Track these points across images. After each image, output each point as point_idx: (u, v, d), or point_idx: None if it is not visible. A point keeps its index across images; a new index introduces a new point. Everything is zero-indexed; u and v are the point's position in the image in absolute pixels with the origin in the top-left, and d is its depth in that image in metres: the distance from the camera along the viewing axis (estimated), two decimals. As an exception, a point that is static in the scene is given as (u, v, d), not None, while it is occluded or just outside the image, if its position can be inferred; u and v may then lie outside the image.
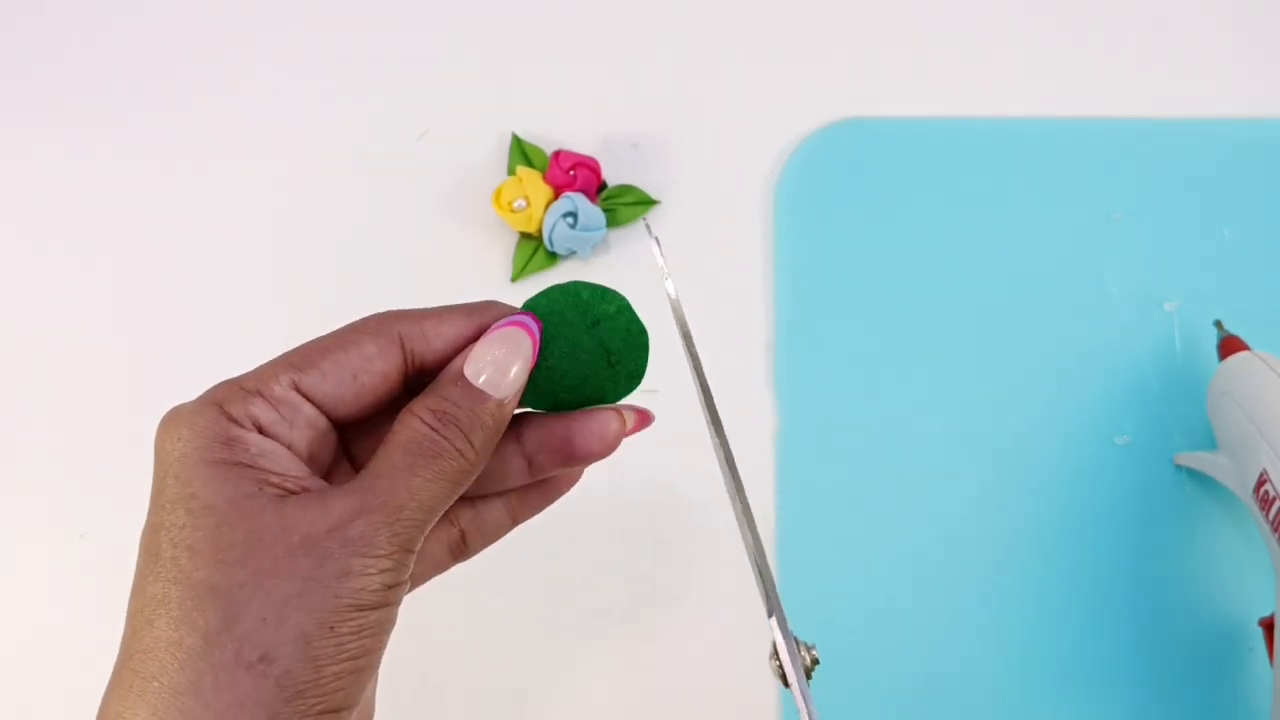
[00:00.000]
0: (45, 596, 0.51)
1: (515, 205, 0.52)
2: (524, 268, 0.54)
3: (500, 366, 0.28)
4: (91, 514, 0.51)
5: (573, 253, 0.54)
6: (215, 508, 0.25)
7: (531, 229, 0.53)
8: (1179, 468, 0.50)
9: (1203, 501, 0.49)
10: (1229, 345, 0.47)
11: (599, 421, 0.30)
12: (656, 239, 0.34)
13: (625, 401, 0.31)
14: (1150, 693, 0.47)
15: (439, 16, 0.59)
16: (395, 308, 0.29)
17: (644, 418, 0.32)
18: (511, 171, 0.55)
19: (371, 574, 0.25)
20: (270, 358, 0.28)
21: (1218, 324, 0.49)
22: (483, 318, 0.29)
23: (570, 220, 0.52)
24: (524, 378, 0.28)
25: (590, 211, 0.52)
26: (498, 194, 0.53)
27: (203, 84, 0.59)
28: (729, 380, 0.52)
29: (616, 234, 0.55)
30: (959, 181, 0.55)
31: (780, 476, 0.50)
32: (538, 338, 0.29)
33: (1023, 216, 0.54)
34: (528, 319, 0.29)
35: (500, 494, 0.32)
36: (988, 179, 0.55)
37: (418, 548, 0.26)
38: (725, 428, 0.30)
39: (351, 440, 0.30)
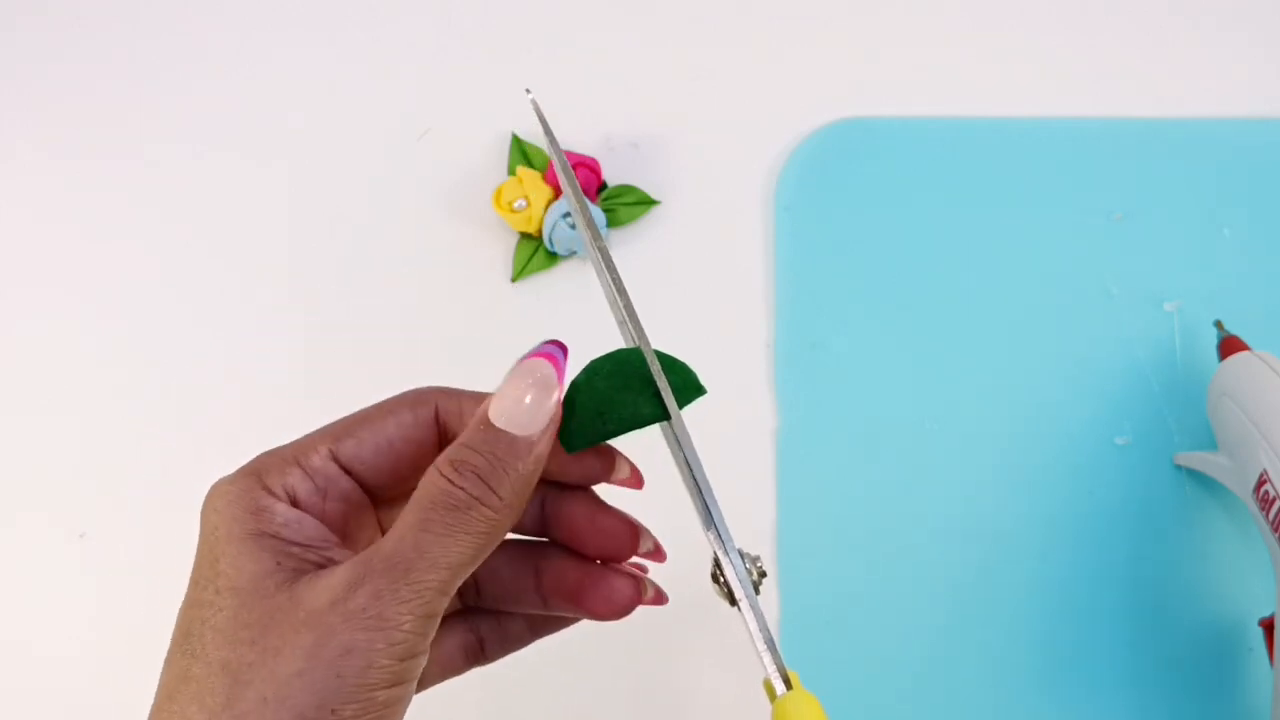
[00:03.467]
0: (45, 596, 0.51)
1: (515, 205, 0.52)
2: (524, 268, 0.54)
3: (521, 404, 0.26)
4: (91, 514, 0.51)
5: (573, 253, 0.54)
6: (238, 587, 0.25)
7: (531, 229, 0.53)
8: (1179, 468, 0.50)
9: (1203, 501, 0.49)
10: (1229, 345, 0.47)
11: (612, 587, 0.29)
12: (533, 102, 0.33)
13: (648, 572, 0.30)
14: (1150, 693, 0.47)
15: (439, 16, 0.59)
16: (435, 385, 0.29)
17: (660, 597, 0.31)
18: (511, 171, 0.55)
19: (379, 648, 0.24)
20: (327, 424, 0.28)
21: (1218, 324, 0.49)
22: None
23: (570, 220, 0.52)
24: (552, 410, 0.26)
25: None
26: (498, 194, 0.53)
27: (202, 84, 0.59)
28: (729, 380, 0.52)
29: (617, 234, 0.55)
30: (959, 181, 0.55)
31: (780, 476, 0.50)
32: (563, 364, 0.27)
33: (1023, 216, 0.54)
34: (552, 348, 0.28)
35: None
36: (988, 179, 0.55)
37: (439, 612, 0.25)
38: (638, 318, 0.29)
39: (385, 516, 0.30)
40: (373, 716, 0.24)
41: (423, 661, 0.25)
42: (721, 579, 0.28)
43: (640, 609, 0.30)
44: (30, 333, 0.55)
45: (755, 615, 0.27)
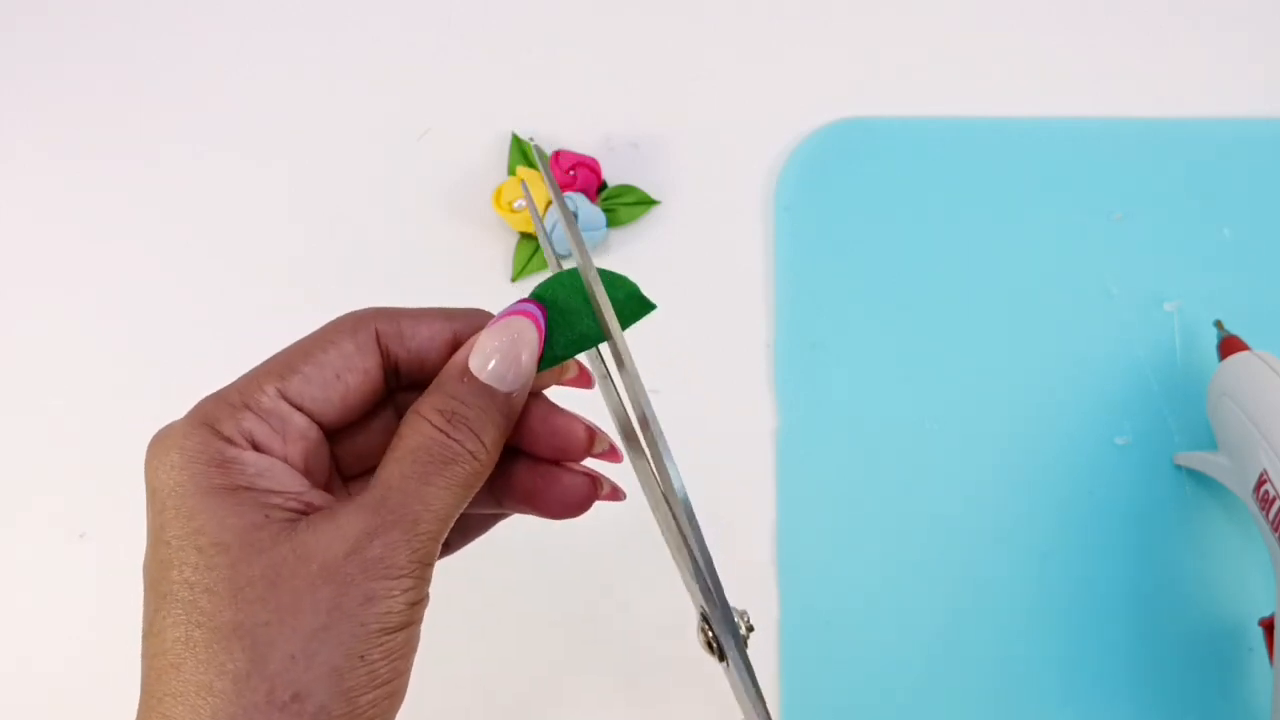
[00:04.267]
0: (45, 596, 0.51)
1: (515, 205, 0.52)
2: (524, 268, 0.54)
3: (507, 357, 0.27)
4: (91, 514, 0.51)
5: (572, 253, 0.53)
6: (226, 544, 0.24)
7: (532, 229, 0.53)
8: (1179, 468, 0.50)
9: (1203, 501, 0.49)
10: (1229, 345, 0.47)
11: (566, 486, 0.29)
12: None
13: (603, 470, 0.30)
14: (1150, 693, 0.47)
15: (439, 16, 0.59)
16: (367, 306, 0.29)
17: (616, 493, 0.31)
18: (511, 171, 0.55)
19: (395, 595, 0.24)
20: (265, 360, 0.28)
21: (1218, 324, 0.49)
22: (464, 322, 0.28)
23: (570, 220, 0.52)
24: (532, 367, 0.27)
25: (590, 211, 0.52)
26: (498, 194, 0.53)
27: (202, 84, 0.59)
28: (729, 380, 0.52)
29: (617, 234, 0.55)
30: (959, 181, 0.55)
31: (780, 476, 0.50)
32: (543, 325, 0.28)
33: (1023, 216, 0.54)
34: (531, 306, 0.28)
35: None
36: (988, 179, 0.55)
37: (436, 560, 0.26)
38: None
39: (336, 447, 0.29)
40: (395, 657, 0.24)
41: (426, 604, 0.26)
42: (709, 633, 0.27)
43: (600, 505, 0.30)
44: (30, 333, 0.55)
45: (747, 670, 0.27)
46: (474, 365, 0.27)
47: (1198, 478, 0.49)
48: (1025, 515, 0.50)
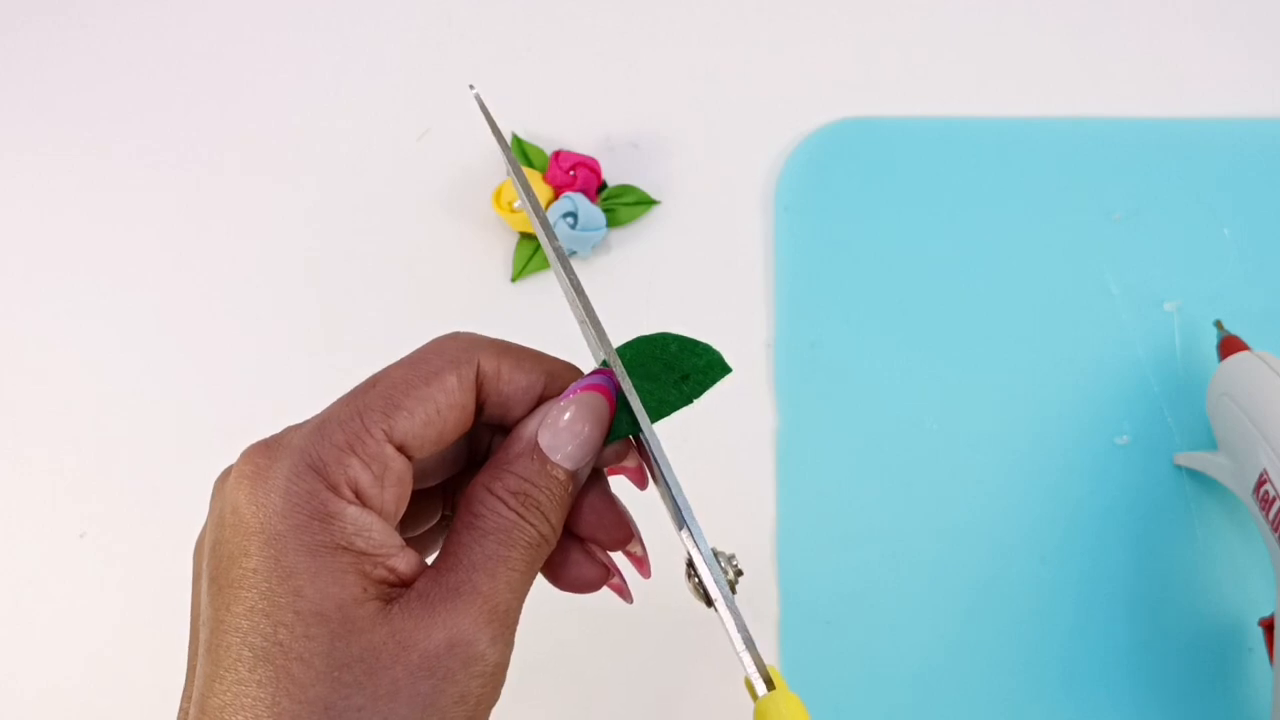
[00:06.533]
0: (45, 596, 0.51)
1: (515, 205, 0.52)
2: (524, 268, 0.54)
3: (578, 440, 0.26)
4: (91, 514, 0.51)
5: (573, 253, 0.54)
6: (325, 615, 0.23)
7: (531, 229, 0.53)
8: (1179, 468, 0.50)
9: (1203, 501, 0.49)
10: (1229, 345, 0.47)
11: (584, 570, 0.29)
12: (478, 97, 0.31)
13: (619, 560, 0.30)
14: (1150, 693, 0.47)
15: (439, 16, 0.59)
16: (468, 331, 0.28)
17: (624, 591, 0.31)
18: (511, 171, 0.55)
19: (487, 692, 0.24)
20: (365, 388, 0.26)
21: (1218, 324, 0.49)
22: (554, 380, 0.28)
23: (570, 220, 0.52)
24: (598, 445, 0.27)
25: (590, 211, 0.52)
26: (498, 194, 0.53)
27: (202, 84, 0.59)
28: (729, 380, 0.52)
29: (617, 234, 0.55)
30: (959, 181, 0.55)
31: (780, 476, 0.50)
32: (615, 399, 0.27)
33: (1023, 216, 0.54)
34: (606, 380, 0.27)
35: None
36: (988, 179, 0.55)
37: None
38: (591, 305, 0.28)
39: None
40: None
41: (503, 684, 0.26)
42: (695, 578, 0.27)
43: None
44: (30, 332, 0.55)
45: (733, 615, 0.27)
46: (545, 444, 0.26)
47: (1198, 478, 0.49)
48: (1025, 515, 0.50)
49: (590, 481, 0.29)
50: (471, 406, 0.27)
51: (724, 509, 0.50)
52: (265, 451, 0.25)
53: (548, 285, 0.54)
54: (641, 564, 0.31)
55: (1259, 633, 0.47)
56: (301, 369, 0.53)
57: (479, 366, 0.27)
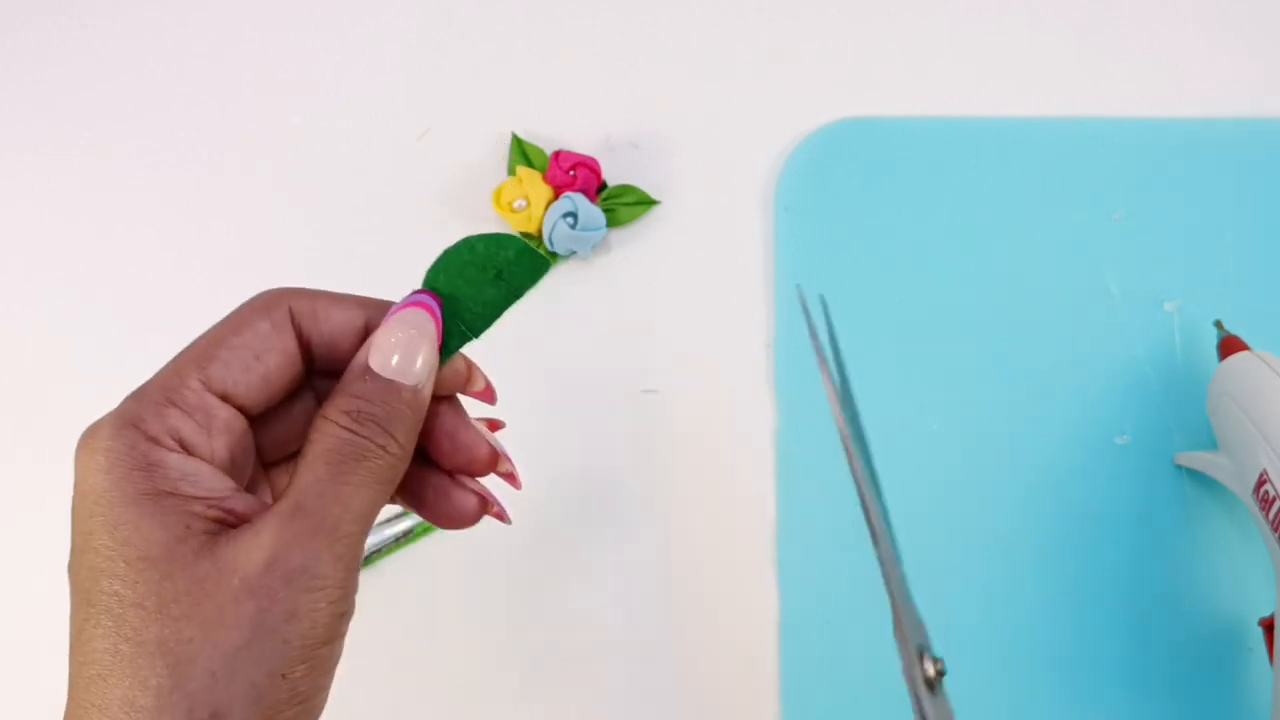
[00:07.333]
0: (45, 597, 0.51)
1: (515, 205, 0.52)
2: (524, 268, 0.53)
3: (406, 351, 0.27)
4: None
5: (573, 253, 0.54)
6: (153, 558, 0.24)
7: (531, 229, 0.53)
8: (1179, 468, 0.50)
9: (1203, 501, 0.49)
10: (1229, 345, 0.47)
11: (456, 502, 0.29)
12: None
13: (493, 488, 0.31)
14: (1150, 693, 0.47)
15: (439, 16, 0.59)
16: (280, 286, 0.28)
17: (503, 515, 0.31)
18: (511, 171, 0.55)
19: (320, 607, 0.24)
20: (183, 350, 0.27)
21: (1218, 324, 0.49)
22: (376, 311, 0.28)
23: (570, 220, 0.52)
24: (434, 359, 0.27)
25: (590, 211, 0.52)
26: (498, 194, 0.53)
27: (201, 83, 0.59)
28: (729, 380, 0.52)
29: (617, 234, 0.55)
30: (959, 181, 0.55)
31: (780, 476, 0.50)
32: (439, 315, 0.28)
33: (1023, 216, 0.54)
34: (424, 297, 0.28)
35: None
36: (987, 179, 0.55)
37: (361, 559, 0.25)
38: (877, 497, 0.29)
39: (259, 434, 0.29)
40: (319, 672, 0.24)
41: (351, 615, 0.25)
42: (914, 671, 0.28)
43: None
44: (31, 332, 0.55)
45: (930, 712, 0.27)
46: (375, 363, 0.27)
47: (1198, 478, 0.49)
48: (1024, 515, 0.50)
49: (443, 410, 0.29)
50: (294, 349, 0.27)
51: (724, 509, 0.50)
52: (97, 422, 0.26)
53: (548, 285, 0.54)
54: (513, 479, 0.31)
55: (1259, 633, 0.47)
56: (301, 369, 0.53)
57: (291, 309, 0.28)
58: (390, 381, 0.26)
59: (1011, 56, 0.58)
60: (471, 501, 0.30)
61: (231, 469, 0.27)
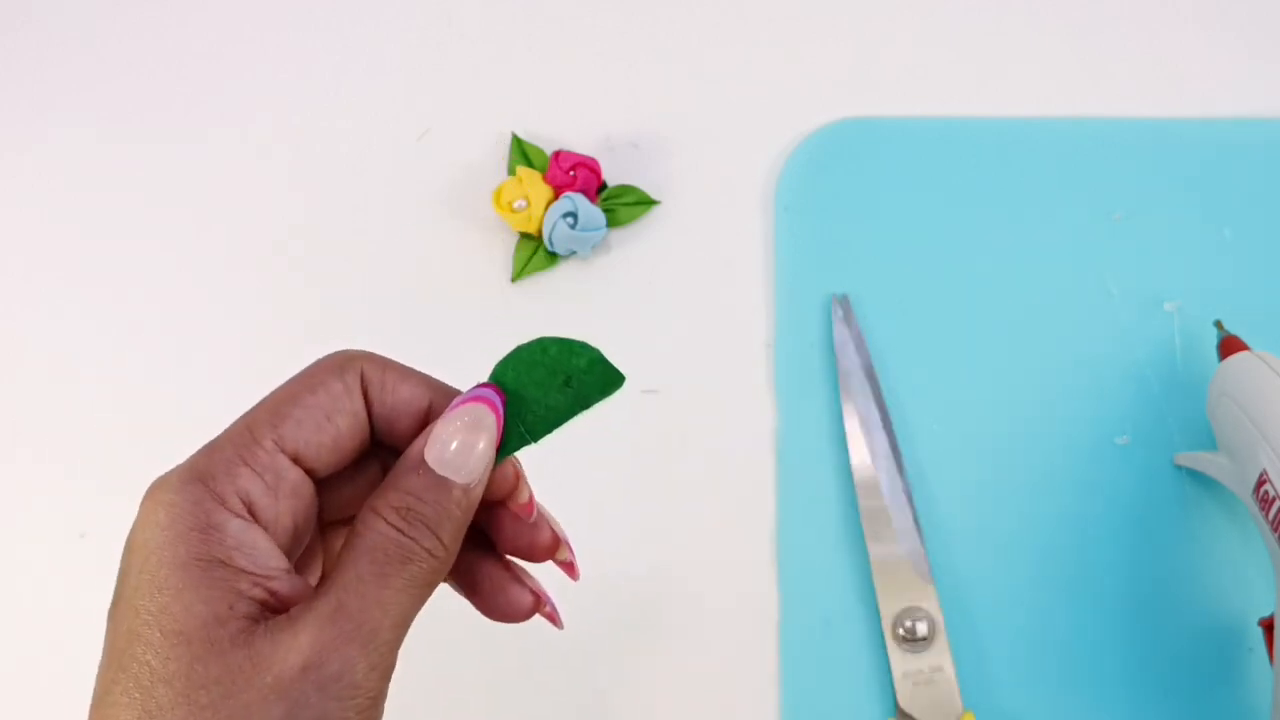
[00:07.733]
0: (45, 596, 0.51)
1: (515, 205, 0.52)
2: (524, 268, 0.54)
3: (463, 448, 0.26)
4: (91, 514, 0.51)
5: (573, 253, 0.54)
6: (187, 634, 0.23)
7: (531, 229, 0.53)
8: (1179, 468, 0.50)
9: (1203, 501, 0.49)
10: (1229, 345, 0.47)
11: (510, 596, 0.29)
12: None
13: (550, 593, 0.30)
14: (1149, 693, 0.47)
15: (439, 16, 0.59)
16: (351, 348, 0.28)
17: (555, 618, 0.30)
18: (511, 171, 0.55)
19: (350, 716, 0.23)
20: (255, 406, 0.27)
21: (1218, 324, 0.49)
22: (441, 395, 0.28)
23: (570, 220, 0.52)
24: (490, 457, 0.26)
25: (590, 211, 0.52)
26: (498, 194, 0.53)
27: (201, 83, 0.59)
28: (729, 380, 0.52)
29: (617, 234, 0.55)
30: (959, 181, 0.55)
31: (780, 476, 0.50)
32: (502, 411, 0.27)
33: (1023, 216, 0.54)
34: (489, 392, 0.27)
35: None
36: (987, 179, 0.55)
37: (393, 671, 0.25)
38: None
39: (323, 494, 0.28)
40: None
41: (381, 716, 0.25)
42: None
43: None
44: (31, 332, 0.55)
45: None
46: (430, 457, 0.26)
47: (1198, 478, 0.49)
48: (1024, 515, 0.50)
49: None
50: (363, 414, 0.27)
51: (724, 509, 0.50)
52: (167, 473, 0.25)
53: (548, 285, 0.54)
54: (571, 569, 0.30)
55: (1259, 633, 0.47)
56: (299, 369, 0.53)
57: (363, 373, 0.27)
58: (442, 479, 0.25)
59: (1011, 56, 0.58)
60: (527, 599, 0.29)
61: (293, 535, 0.26)
